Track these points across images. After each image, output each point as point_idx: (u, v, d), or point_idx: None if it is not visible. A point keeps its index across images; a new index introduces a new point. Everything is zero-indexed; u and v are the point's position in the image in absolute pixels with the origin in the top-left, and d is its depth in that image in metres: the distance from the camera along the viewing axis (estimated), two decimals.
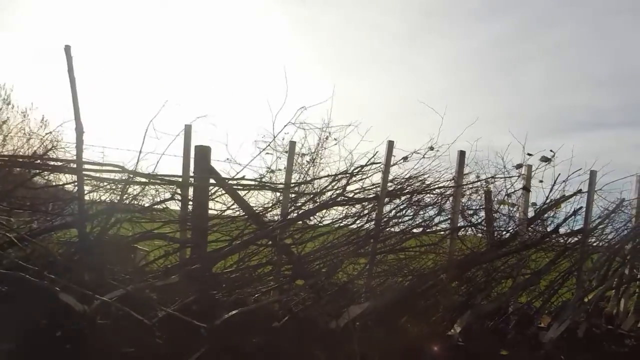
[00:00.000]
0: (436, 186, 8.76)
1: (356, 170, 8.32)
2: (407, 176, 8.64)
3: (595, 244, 9.46)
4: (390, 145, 8.08)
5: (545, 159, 8.82)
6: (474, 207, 9.18)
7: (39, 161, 7.23)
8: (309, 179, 8.63)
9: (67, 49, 6.19)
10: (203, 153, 7.09)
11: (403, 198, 8.70)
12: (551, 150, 8.81)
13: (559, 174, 8.86)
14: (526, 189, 8.80)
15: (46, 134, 8.14)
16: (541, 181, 8.91)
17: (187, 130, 7.63)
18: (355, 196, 8.37)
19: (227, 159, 7.91)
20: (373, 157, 8.32)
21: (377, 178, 8.31)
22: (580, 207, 8.98)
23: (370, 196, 8.36)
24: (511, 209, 9.07)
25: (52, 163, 7.22)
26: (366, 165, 8.33)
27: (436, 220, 8.91)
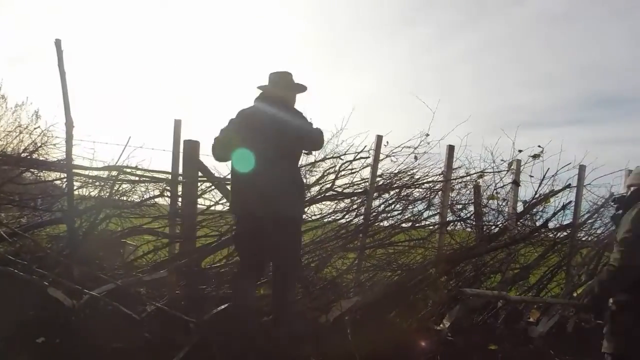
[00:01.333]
0: (425, 180, 8.82)
1: (344, 167, 8.36)
2: (395, 171, 8.69)
3: (584, 239, 9.54)
4: (379, 139, 8.13)
5: (535, 156, 8.90)
6: (463, 202, 9.23)
7: (28, 156, 7.28)
8: None
9: (58, 42, 6.21)
10: (192, 148, 7.12)
11: (392, 192, 8.75)
12: (539, 146, 8.88)
13: (548, 169, 8.93)
14: (516, 183, 8.87)
15: (35, 128, 8.11)
16: (532, 176, 8.99)
17: (177, 124, 7.67)
18: (344, 191, 8.42)
19: None
20: (360, 152, 8.35)
21: (366, 172, 8.35)
22: (569, 202, 9.04)
23: (359, 191, 8.41)
24: (500, 203, 9.14)
25: (41, 159, 7.26)
26: (354, 160, 8.37)
27: (425, 214, 8.98)
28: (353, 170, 8.44)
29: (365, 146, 8.28)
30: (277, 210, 5.90)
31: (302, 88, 6.57)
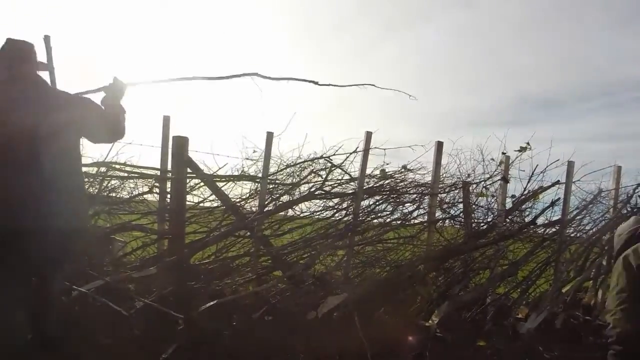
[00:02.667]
0: (414, 185, 8.86)
1: (333, 169, 8.40)
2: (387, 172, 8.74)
3: (573, 235, 9.60)
4: (369, 135, 8.16)
5: (522, 149, 8.96)
6: (452, 200, 9.29)
7: None
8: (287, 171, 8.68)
9: (47, 39, 6.22)
10: (181, 144, 7.12)
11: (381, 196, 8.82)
12: (527, 143, 8.95)
13: (537, 165, 9.00)
14: (504, 179, 8.91)
15: None
16: (523, 170, 9.06)
17: (166, 121, 7.69)
18: (334, 190, 8.46)
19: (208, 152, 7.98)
20: (351, 154, 8.39)
21: (356, 167, 8.38)
22: (558, 198, 9.10)
23: (349, 191, 8.45)
24: (489, 200, 9.20)
25: None
26: (345, 160, 8.41)
27: (414, 213, 9.03)
28: (342, 171, 8.46)
29: (357, 147, 8.30)
30: None
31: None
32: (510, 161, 9.14)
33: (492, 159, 9.20)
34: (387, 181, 8.76)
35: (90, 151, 7.01)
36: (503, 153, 9.14)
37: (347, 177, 8.49)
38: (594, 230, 9.63)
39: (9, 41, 4.85)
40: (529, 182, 9.10)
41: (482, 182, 9.27)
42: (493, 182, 9.20)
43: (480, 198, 9.22)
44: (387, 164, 8.71)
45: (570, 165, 9.21)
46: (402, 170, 8.85)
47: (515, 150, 9.14)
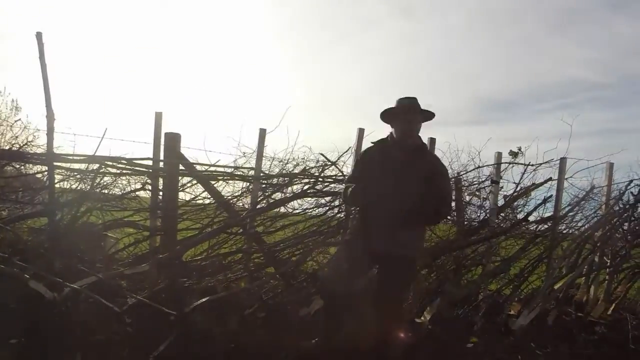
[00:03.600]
0: None
1: (327, 166, 8.42)
2: None
3: (565, 231, 9.63)
4: (361, 132, 8.17)
5: (513, 154, 9.01)
6: None
7: (9, 149, 7.31)
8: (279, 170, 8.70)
9: (39, 35, 6.25)
10: (173, 140, 7.13)
11: None
12: (519, 148, 9.02)
13: (529, 162, 9.05)
14: (495, 182, 8.93)
15: (15, 121, 8.14)
16: (527, 164, 9.10)
17: (158, 117, 7.71)
18: (325, 188, 8.48)
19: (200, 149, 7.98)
20: (345, 152, 8.43)
21: (349, 165, 8.39)
22: (551, 195, 9.13)
23: (341, 190, 8.48)
24: (483, 196, 9.23)
25: (22, 152, 7.29)
26: (339, 158, 8.44)
27: None
28: (335, 169, 8.48)
29: (350, 147, 8.33)
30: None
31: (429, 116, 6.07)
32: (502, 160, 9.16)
33: (482, 164, 9.24)
34: None
35: (83, 148, 7.05)
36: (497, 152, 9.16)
37: (340, 174, 8.49)
38: (586, 226, 9.66)
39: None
40: (521, 178, 9.15)
41: (475, 185, 9.32)
42: (484, 184, 9.23)
43: (473, 197, 9.25)
44: None
45: (563, 161, 9.24)
46: None
47: (510, 154, 9.19)
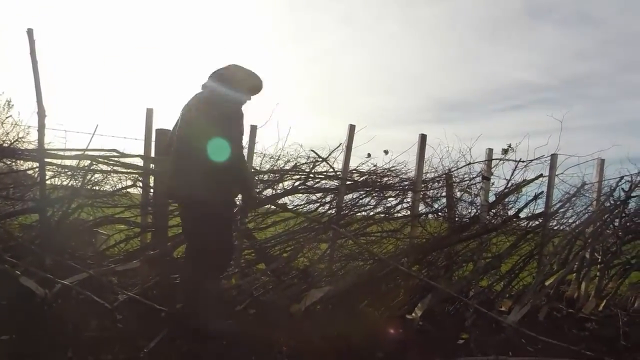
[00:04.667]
0: (397, 177, 8.91)
1: (319, 162, 8.45)
2: (367, 169, 8.81)
3: (556, 228, 9.66)
4: (352, 129, 8.21)
5: (504, 151, 9.06)
6: (434, 193, 9.35)
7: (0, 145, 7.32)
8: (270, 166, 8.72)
9: (30, 32, 6.28)
10: (164, 137, 7.14)
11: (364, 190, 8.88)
12: (509, 145, 9.07)
13: (520, 159, 9.10)
14: (486, 177, 8.97)
15: (6, 117, 8.15)
16: (518, 161, 9.14)
17: (149, 113, 7.74)
18: (319, 183, 8.52)
19: None
20: (334, 150, 8.46)
21: (340, 160, 8.42)
22: (542, 192, 9.17)
23: (332, 186, 8.51)
24: (474, 193, 9.28)
25: (14, 148, 7.30)
26: (329, 155, 8.47)
27: (397, 207, 9.09)
28: (327, 166, 8.51)
29: (341, 143, 8.36)
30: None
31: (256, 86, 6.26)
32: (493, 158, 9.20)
33: (473, 161, 9.30)
34: (370, 176, 8.79)
35: (74, 144, 7.07)
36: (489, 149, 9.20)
37: (331, 170, 8.51)
38: (577, 223, 9.70)
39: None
40: (512, 175, 9.20)
41: (466, 181, 9.37)
42: (475, 180, 9.27)
43: (464, 193, 9.30)
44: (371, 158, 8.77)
45: (554, 157, 9.29)
46: (385, 167, 8.92)
47: (502, 150, 9.24)
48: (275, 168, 8.62)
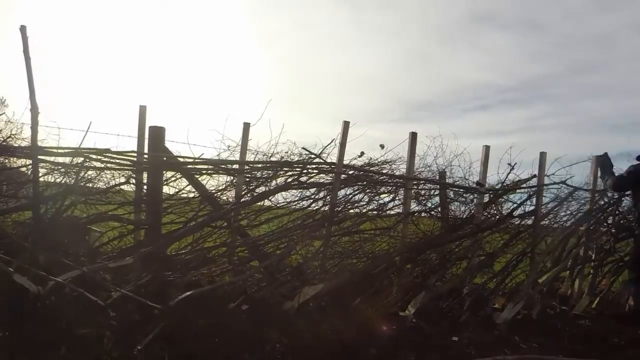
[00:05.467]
0: (390, 174, 8.92)
1: (312, 159, 8.44)
2: (361, 164, 8.81)
3: (549, 226, 9.71)
4: (346, 125, 8.22)
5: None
6: (428, 192, 9.37)
7: None
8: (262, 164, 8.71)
9: (23, 29, 6.28)
10: (157, 134, 7.16)
11: (357, 185, 8.88)
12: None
13: (515, 163, 9.15)
14: (480, 184, 8.99)
15: (0, 114, 8.15)
16: (509, 164, 9.17)
17: (142, 111, 7.74)
18: (310, 180, 8.52)
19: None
20: (327, 145, 8.47)
21: (333, 157, 8.41)
22: (535, 191, 9.22)
23: (326, 181, 8.52)
24: (466, 196, 9.32)
25: (7, 145, 7.30)
26: (322, 151, 8.47)
27: (390, 205, 9.10)
28: (320, 162, 8.49)
29: (333, 139, 8.37)
30: None
31: None
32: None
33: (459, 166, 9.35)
34: (363, 172, 8.79)
35: (67, 141, 7.08)
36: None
37: (324, 165, 8.50)
38: (570, 221, 9.75)
39: None
40: (507, 176, 9.26)
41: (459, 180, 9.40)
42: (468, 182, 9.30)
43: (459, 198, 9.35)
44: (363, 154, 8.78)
45: (542, 156, 9.34)
46: (380, 160, 8.93)
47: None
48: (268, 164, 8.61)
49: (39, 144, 6.66)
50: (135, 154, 7.45)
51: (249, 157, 8.48)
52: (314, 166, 8.50)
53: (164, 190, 7.60)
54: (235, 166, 8.24)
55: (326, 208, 8.48)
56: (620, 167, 9.62)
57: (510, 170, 9.22)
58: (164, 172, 7.49)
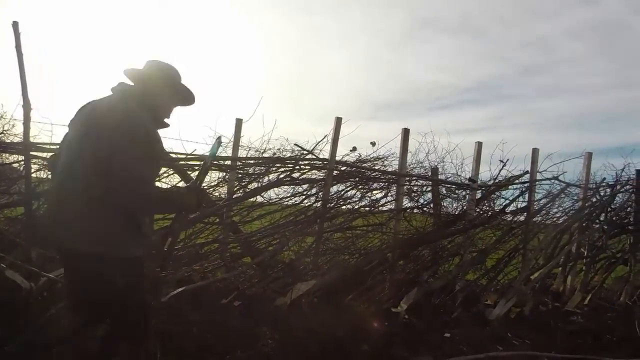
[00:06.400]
0: (383, 170, 8.94)
1: (304, 154, 8.46)
2: (353, 160, 8.84)
3: (541, 222, 9.75)
4: (338, 121, 8.24)
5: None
6: (420, 188, 9.40)
7: None
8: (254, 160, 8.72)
9: (15, 25, 6.30)
10: None
11: (350, 181, 8.91)
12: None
13: (507, 159, 9.19)
14: (472, 180, 9.03)
15: None
16: (501, 160, 9.21)
17: None
18: (303, 176, 8.55)
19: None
20: (320, 142, 8.49)
21: (326, 153, 8.44)
22: (527, 187, 9.27)
23: (318, 177, 8.54)
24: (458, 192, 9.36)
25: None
26: (314, 147, 8.49)
27: (383, 201, 9.14)
28: (312, 159, 8.51)
29: (326, 135, 8.39)
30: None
31: (186, 97, 4.54)
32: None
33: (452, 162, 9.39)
34: (355, 168, 8.81)
35: (60, 137, 7.08)
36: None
37: (317, 161, 8.52)
38: (563, 218, 9.80)
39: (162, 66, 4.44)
40: (499, 172, 9.31)
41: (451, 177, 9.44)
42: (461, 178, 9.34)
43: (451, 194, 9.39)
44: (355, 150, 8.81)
45: (535, 152, 9.40)
46: (372, 157, 8.96)
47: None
48: (261, 160, 8.63)
49: (31, 140, 6.68)
50: None
51: (242, 153, 8.53)
52: (306, 162, 8.52)
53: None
54: (228, 162, 8.27)
55: (319, 204, 8.50)
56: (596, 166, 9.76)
57: (503, 166, 9.27)
58: None
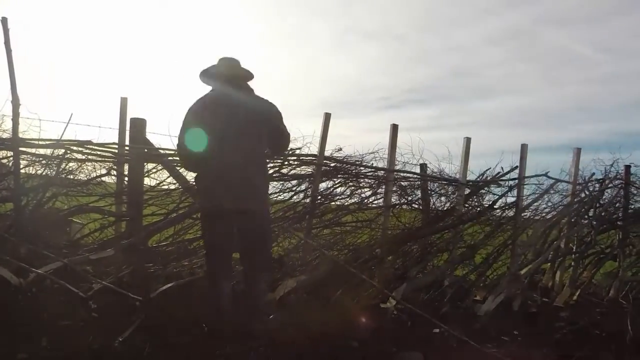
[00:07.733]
0: (372, 166, 8.94)
1: (292, 151, 8.46)
2: (342, 156, 8.84)
3: (530, 218, 9.80)
4: (327, 117, 8.26)
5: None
6: (409, 184, 9.42)
7: None
8: None
9: (4, 20, 6.31)
10: (138, 126, 7.16)
11: (339, 178, 8.92)
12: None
13: (500, 160, 9.25)
14: (459, 182, 9.07)
15: None
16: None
17: (123, 103, 7.79)
18: (292, 172, 8.57)
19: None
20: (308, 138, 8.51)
21: (314, 149, 8.46)
22: (516, 183, 9.32)
23: (307, 173, 8.55)
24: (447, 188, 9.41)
25: None
26: (304, 143, 8.50)
27: (371, 197, 9.16)
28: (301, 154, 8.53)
29: (315, 130, 8.41)
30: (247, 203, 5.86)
31: (250, 75, 6.29)
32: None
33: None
34: (344, 163, 8.82)
35: (49, 134, 7.10)
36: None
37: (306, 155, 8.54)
38: (552, 213, 9.85)
39: (233, 60, 6.28)
40: (488, 169, 9.38)
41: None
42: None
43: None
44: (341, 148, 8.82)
45: (524, 147, 9.45)
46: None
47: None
48: None
49: (20, 135, 6.68)
50: (116, 146, 7.49)
51: None
52: (295, 158, 8.54)
53: (145, 182, 7.61)
54: None
55: (307, 200, 8.52)
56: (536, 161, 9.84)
57: (496, 167, 9.34)
58: (145, 163, 7.49)
